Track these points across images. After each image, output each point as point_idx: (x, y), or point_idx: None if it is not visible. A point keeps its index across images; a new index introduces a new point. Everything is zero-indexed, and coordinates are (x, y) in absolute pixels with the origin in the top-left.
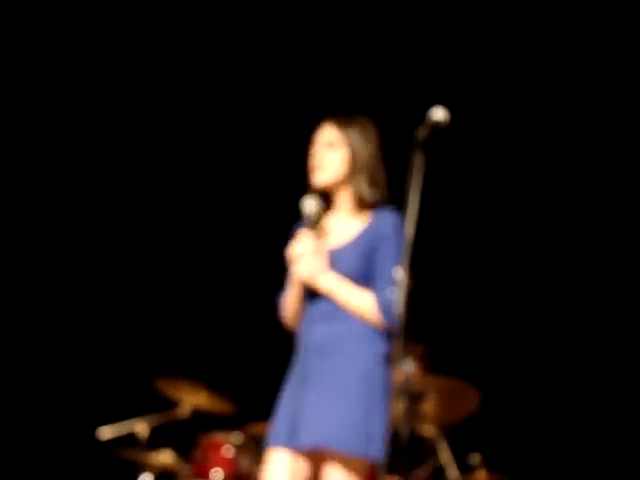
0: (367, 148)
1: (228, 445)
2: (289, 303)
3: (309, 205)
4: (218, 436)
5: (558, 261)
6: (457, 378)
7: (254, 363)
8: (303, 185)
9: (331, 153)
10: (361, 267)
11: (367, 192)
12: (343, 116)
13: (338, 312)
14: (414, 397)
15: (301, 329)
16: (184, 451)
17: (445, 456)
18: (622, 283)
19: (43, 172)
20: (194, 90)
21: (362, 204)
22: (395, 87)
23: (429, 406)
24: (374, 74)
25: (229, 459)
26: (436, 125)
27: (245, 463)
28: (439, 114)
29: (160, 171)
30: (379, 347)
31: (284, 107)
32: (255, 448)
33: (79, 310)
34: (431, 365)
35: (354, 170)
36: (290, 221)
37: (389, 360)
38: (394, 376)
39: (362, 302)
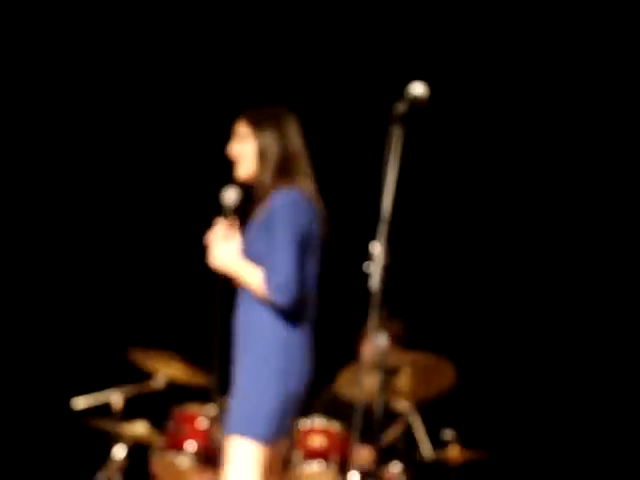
0: (277, 140)
1: (202, 417)
2: None
3: (227, 195)
4: (192, 408)
5: (533, 234)
6: (432, 353)
7: (230, 335)
8: None
9: (242, 147)
10: (259, 250)
11: (264, 180)
12: (256, 109)
13: (249, 299)
14: (388, 372)
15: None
16: (158, 423)
17: (418, 431)
18: (597, 258)
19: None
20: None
21: (262, 192)
22: (374, 62)
23: (403, 381)
24: (354, 50)
25: (203, 431)
26: (415, 100)
27: (219, 435)
28: (418, 89)
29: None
30: (278, 330)
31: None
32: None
33: (52, 280)
34: (407, 340)
35: (262, 163)
36: None
37: (292, 341)
38: (367, 350)
39: (255, 280)
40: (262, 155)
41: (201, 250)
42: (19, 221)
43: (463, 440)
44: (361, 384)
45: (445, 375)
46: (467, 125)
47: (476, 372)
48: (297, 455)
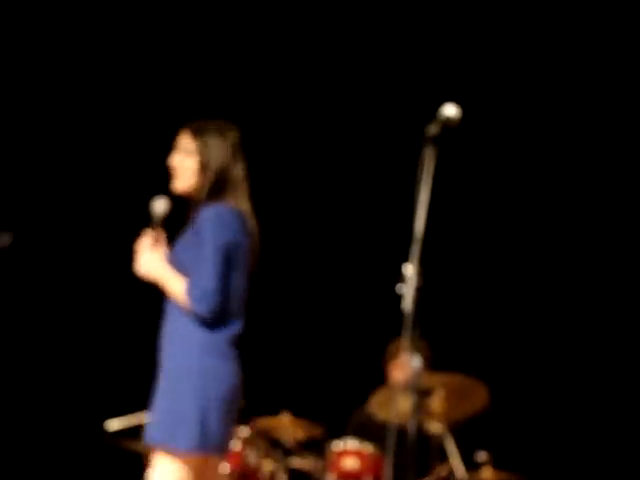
0: (218, 155)
1: (235, 439)
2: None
3: (156, 205)
4: None
5: (566, 256)
6: (465, 375)
7: (260, 357)
8: None
9: (185, 161)
10: (185, 261)
11: (201, 193)
12: (199, 123)
13: (174, 309)
14: (422, 393)
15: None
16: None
17: (452, 453)
18: (632, 279)
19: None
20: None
21: (197, 204)
22: (407, 84)
23: (437, 403)
24: (386, 71)
25: (236, 453)
26: (447, 121)
27: (252, 457)
28: (450, 110)
29: None
30: (197, 337)
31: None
32: (262, 442)
33: (89, 301)
34: (439, 362)
35: (201, 179)
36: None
37: (214, 349)
38: (401, 372)
39: (178, 289)
40: (203, 171)
41: None
42: (60, 238)
43: (496, 462)
44: (394, 406)
45: (478, 396)
46: (499, 146)
47: (509, 393)
48: (330, 477)
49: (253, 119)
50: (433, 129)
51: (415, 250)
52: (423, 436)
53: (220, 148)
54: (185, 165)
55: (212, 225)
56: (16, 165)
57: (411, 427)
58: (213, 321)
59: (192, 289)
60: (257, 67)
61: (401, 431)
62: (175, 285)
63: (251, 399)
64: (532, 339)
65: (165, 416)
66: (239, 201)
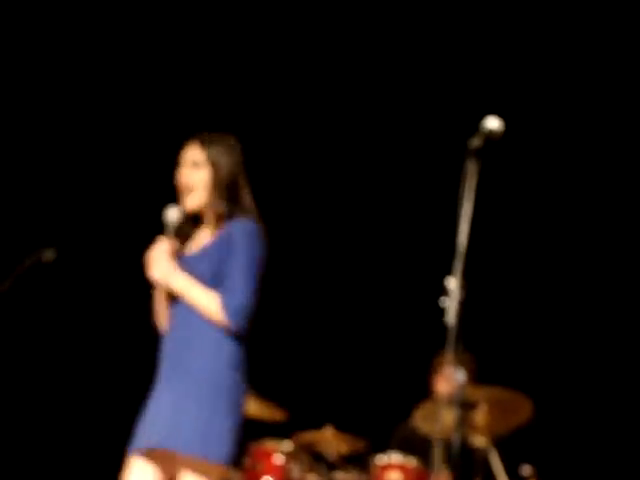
0: (228, 165)
1: (278, 453)
2: (156, 308)
3: (170, 214)
4: (268, 444)
5: (613, 270)
6: (509, 388)
7: (304, 371)
8: None
9: (197, 172)
10: (211, 272)
11: (220, 206)
12: (206, 135)
13: (190, 317)
14: (465, 407)
15: (165, 332)
16: (235, 459)
17: (496, 467)
18: None
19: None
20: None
21: (218, 217)
22: (449, 97)
23: (480, 416)
24: (429, 84)
25: (279, 467)
26: (490, 134)
27: (295, 471)
28: (493, 123)
29: None
30: (227, 351)
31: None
32: (305, 456)
33: (129, 322)
34: (483, 375)
35: (215, 189)
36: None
37: (240, 364)
38: (445, 386)
39: (208, 302)
40: (215, 181)
41: None
42: (106, 258)
43: (541, 475)
44: (438, 419)
45: (522, 410)
46: (542, 159)
47: (554, 406)
48: None
49: (290, 132)
50: (476, 142)
51: (458, 263)
52: (467, 450)
53: (229, 158)
54: (196, 178)
55: (247, 240)
56: (59, 182)
57: (455, 441)
58: (240, 335)
59: (228, 303)
60: (286, 80)
61: (445, 444)
62: (199, 296)
63: (294, 413)
64: (576, 352)
65: (196, 427)
66: (254, 214)
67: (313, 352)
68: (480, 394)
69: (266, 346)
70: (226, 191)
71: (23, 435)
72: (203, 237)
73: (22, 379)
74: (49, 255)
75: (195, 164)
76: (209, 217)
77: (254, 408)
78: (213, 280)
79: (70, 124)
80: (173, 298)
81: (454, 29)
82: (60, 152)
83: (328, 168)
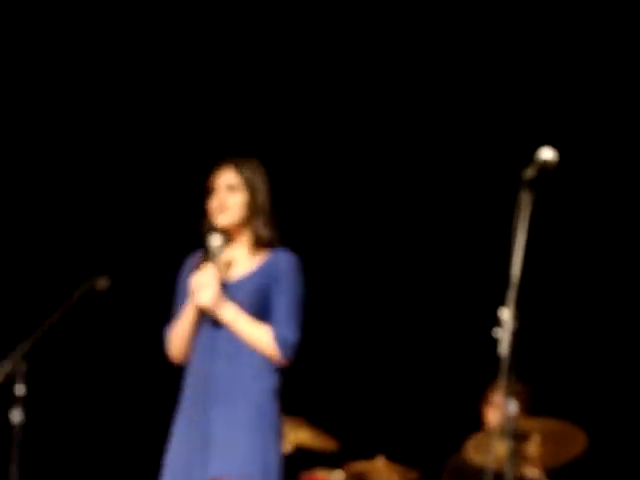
0: (263, 190)
1: None
2: (180, 333)
3: (213, 240)
4: (320, 473)
5: None
6: (563, 420)
7: (355, 400)
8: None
9: (233, 196)
10: (256, 301)
11: (264, 232)
12: (240, 159)
13: (236, 346)
14: (518, 438)
15: (196, 361)
16: None
17: None
18: None
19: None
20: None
21: (259, 243)
22: (503, 128)
23: (533, 448)
24: (482, 115)
25: None
26: (544, 165)
27: None
28: (547, 154)
29: None
30: (272, 383)
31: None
32: None
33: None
34: (536, 406)
35: (253, 212)
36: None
37: (280, 394)
38: (497, 417)
39: (260, 335)
40: (254, 206)
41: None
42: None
43: None
44: (491, 450)
45: (576, 442)
46: (596, 189)
47: (607, 439)
48: None
49: (329, 158)
50: (530, 173)
51: (511, 294)
52: None
53: (263, 183)
54: (232, 201)
55: (294, 273)
56: (115, 209)
57: (507, 472)
58: (285, 367)
59: (280, 336)
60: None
61: (497, 476)
62: (250, 327)
63: (346, 443)
64: (632, 384)
65: (254, 457)
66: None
67: (366, 382)
68: (533, 425)
69: (319, 375)
70: (263, 215)
71: (74, 463)
72: (243, 262)
73: (78, 407)
74: (103, 283)
75: (231, 188)
76: (243, 239)
77: (306, 437)
78: (253, 307)
79: (119, 153)
80: (212, 323)
81: (511, 60)
82: (118, 180)
83: (381, 195)
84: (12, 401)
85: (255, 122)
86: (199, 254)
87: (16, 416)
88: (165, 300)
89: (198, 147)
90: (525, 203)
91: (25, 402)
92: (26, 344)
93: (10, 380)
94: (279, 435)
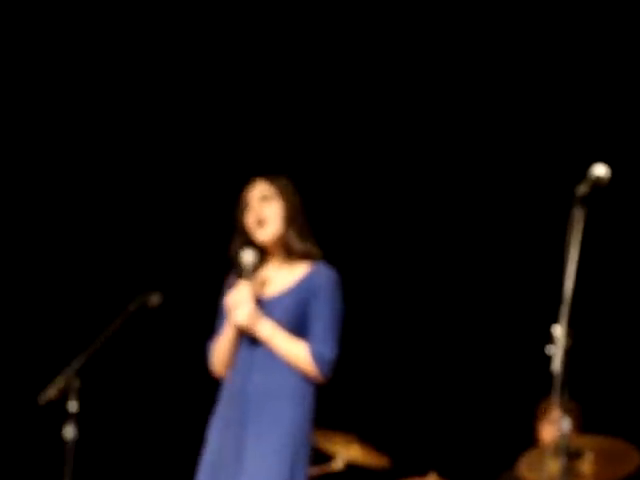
0: (296, 201)
1: None
2: (222, 350)
3: (247, 256)
4: None
5: None
6: (616, 438)
7: (408, 416)
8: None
9: (268, 206)
10: (294, 317)
11: (297, 244)
12: (270, 175)
13: (273, 363)
14: (571, 456)
15: (233, 376)
16: None
17: None
18: None
19: None
20: None
21: (293, 255)
22: (557, 143)
23: (586, 466)
24: (536, 131)
25: None
26: (597, 181)
27: None
28: (600, 170)
29: None
30: (308, 404)
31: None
32: None
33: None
34: (589, 424)
35: (288, 222)
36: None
37: (314, 412)
38: (551, 434)
39: (298, 352)
40: (289, 215)
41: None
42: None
43: None
44: (544, 468)
45: (630, 460)
46: None
47: None
48: None
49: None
50: (583, 189)
51: (564, 311)
52: None
53: (295, 194)
54: (268, 211)
55: (333, 289)
56: (167, 227)
57: None
58: (321, 385)
59: (318, 353)
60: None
61: None
62: (288, 344)
63: (398, 459)
64: None
65: (286, 475)
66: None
67: (419, 398)
68: (586, 443)
69: (371, 391)
70: (299, 225)
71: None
72: (279, 277)
73: (131, 423)
74: (155, 300)
75: (265, 198)
76: (279, 253)
77: (357, 454)
78: (291, 324)
79: (177, 170)
80: (250, 339)
81: (566, 76)
82: (174, 199)
83: (433, 210)
84: (65, 417)
85: (283, 141)
86: (234, 271)
87: (69, 432)
88: (214, 316)
89: (246, 165)
90: (578, 219)
91: (78, 418)
92: (79, 360)
93: (63, 396)
94: (306, 459)
